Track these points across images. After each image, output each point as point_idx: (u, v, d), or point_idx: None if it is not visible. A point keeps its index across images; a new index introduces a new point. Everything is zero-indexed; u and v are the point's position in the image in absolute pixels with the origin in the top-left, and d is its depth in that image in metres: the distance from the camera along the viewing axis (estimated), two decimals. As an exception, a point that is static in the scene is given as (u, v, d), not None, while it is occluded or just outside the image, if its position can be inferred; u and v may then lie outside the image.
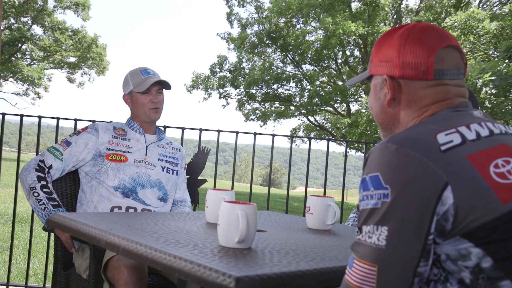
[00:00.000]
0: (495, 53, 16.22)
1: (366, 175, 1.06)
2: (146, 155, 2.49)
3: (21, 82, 28.17)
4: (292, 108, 22.42)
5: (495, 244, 0.97)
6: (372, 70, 1.27)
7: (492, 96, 11.00)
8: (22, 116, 3.59)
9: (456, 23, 16.01)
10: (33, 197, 2.26)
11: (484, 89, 10.77)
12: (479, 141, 1.06)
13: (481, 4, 18.36)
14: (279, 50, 22.86)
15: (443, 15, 18.47)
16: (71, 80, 30.35)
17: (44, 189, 2.28)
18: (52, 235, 3.04)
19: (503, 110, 10.94)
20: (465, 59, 1.21)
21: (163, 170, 2.52)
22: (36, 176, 2.30)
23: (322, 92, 20.21)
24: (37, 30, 27.85)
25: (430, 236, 0.99)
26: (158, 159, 2.53)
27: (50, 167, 2.35)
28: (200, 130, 3.68)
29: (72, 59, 29.13)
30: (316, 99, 20.28)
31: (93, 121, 3.52)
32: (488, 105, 11.50)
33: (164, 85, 2.56)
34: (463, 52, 1.22)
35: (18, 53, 27.38)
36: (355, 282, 1.01)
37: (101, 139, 2.43)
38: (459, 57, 1.20)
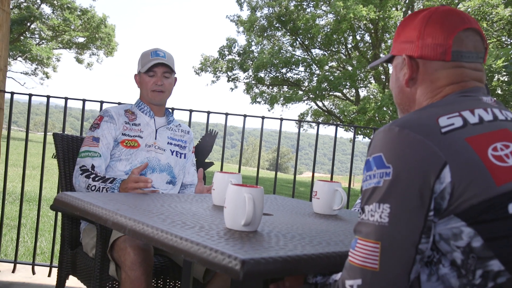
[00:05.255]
0: (508, 40, 16.02)
1: (369, 157, 1.09)
2: (155, 139, 2.49)
3: (29, 62, 28.24)
4: (300, 92, 22.34)
5: (486, 224, 1.00)
6: (394, 51, 1.30)
7: (504, 84, 10.89)
8: (30, 95, 3.60)
9: (469, 9, 15.80)
10: (95, 192, 2.22)
11: (496, 76, 10.66)
12: (481, 125, 1.08)
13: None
14: (288, 33, 22.72)
15: (456, 1, 18.23)
16: (79, 61, 30.40)
17: (97, 178, 2.24)
18: (60, 214, 3.06)
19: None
20: (486, 44, 1.23)
21: (172, 154, 2.52)
22: (84, 176, 2.26)
23: (331, 77, 20.12)
24: (46, 9, 27.94)
25: (431, 213, 1.02)
26: (168, 143, 2.53)
27: (93, 166, 2.32)
28: (208, 112, 3.67)
29: (81, 40, 29.13)
30: (325, 84, 20.20)
31: (101, 102, 3.52)
32: (500, 92, 11.39)
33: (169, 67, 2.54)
34: (484, 36, 1.23)
35: (27, 32, 27.39)
36: (358, 261, 1.03)
37: (118, 125, 2.43)
38: (479, 41, 1.21)
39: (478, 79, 1.21)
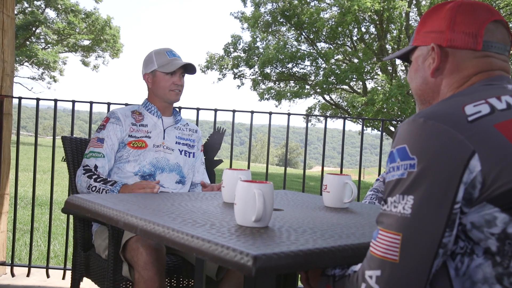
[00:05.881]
0: (514, 26, 15.86)
1: (393, 149, 1.07)
2: (164, 139, 2.49)
3: (36, 67, 28.40)
4: (307, 87, 22.27)
5: None
6: (417, 42, 1.28)
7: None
8: (38, 100, 3.61)
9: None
10: (95, 193, 2.23)
11: None
12: (509, 111, 1.07)
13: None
14: (293, 28, 22.64)
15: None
16: (85, 64, 30.52)
17: (98, 179, 2.26)
18: (71, 217, 3.07)
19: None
20: None
21: (181, 154, 2.52)
22: (86, 177, 2.29)
23: (337, 71, 20.04)
24: (50, 13, 27.96)
25: (457, 205, 0.99)
26: (176, 142, 2.53)
27: (96, 166, 2.34)
28: (215, 110, 3.67)
29: (86, 42, 29.24)
30: (332, 78, 20.12)
31: (109, 103, 3.53)
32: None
33: (189, 69, 2.55)
34: (509, 29, 1.23)
35: (32, 37, 27.54)
36: (379, 252, 1.02)
37: (124, 127, 2.43)
38: (506, 34, 1.22)
39: (505, 69, 1.21)
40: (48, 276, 3.65)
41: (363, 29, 21.47)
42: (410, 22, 20.28)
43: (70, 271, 2.56)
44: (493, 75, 1.18)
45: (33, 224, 3.70)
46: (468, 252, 1.04)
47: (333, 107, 23.38)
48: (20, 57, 26.54)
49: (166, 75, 2.48)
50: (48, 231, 3.71)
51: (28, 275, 3.66)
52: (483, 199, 0.99)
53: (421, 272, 0.99)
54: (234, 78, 23.66)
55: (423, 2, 20.38)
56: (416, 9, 20.36)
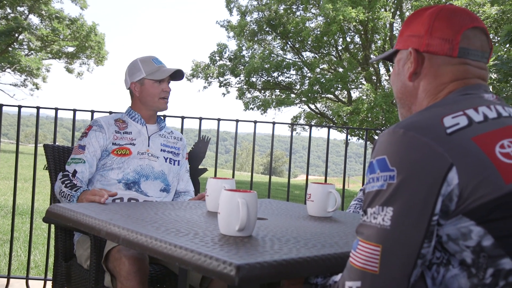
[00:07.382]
0: (496, 38, 16.13)
1: (373, 159, 1.08)
2: (148, 146, 2.48)
3: (18, 73, 28.07)
4: (292, 96, 22.36)
5: (496, 223, 0.99)
6: (399, 45, 1.29)
7: (495, 82, 10.98)
8: (20, 107, 3.57)
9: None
10: (65, 199, 2.20)
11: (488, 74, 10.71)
12: (486, 123, 1.07)
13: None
14: (279, 37, 22.76)
15: (443, 0, 18.35)
16: (69, 70, 30.27)
17: (68, 185, 2.22)
18: (53, 226, 3.03)
19: (505, 95, 10.91)
20: (491, 44, 1.24)
21: (166, 161, 2.51)
22: (60, 182, 2.27)
23: (322, 80, 20.16)
24: (34, 19, 27.59)
25: (435, 217, 1.00)
26: (161, 150, 2.52)
27: (75, 171, 2.31)
28: (200, 119, 3.66)
29: (70, 49, 29.01)
30: (317, 87, 20.24)
31: (92, 111, 3.51)
32: (491, 90, 11.45)
33: (175, 76, 2.55)
34: (489, 36, 1.24)
35: (15, 43, 27.25)
36: (358, 263, 1.02)
37: (107, 134, 2.41)
38: (485, 41, 1.22)
39: (481, 77, 1.21)
40: (28, 287, 3.59)
41: (348, 39, 21.65)
42: (394, 33, 20.51)
43: (51, 282, 2.52)
44: (470, 84, 1.18)
45: (13, 234, 3.64)
46: (444, 262, 1.05)
47: (318, 116, 23.49)
48: (2, 64, 26.22)
49: (155, 83, 2.48)
50: (29, 240, 3.66)
51: (7, 286, 3.59)
52: (459, 212, 1.00)
53: (401, 282, 1.00)
54: (220, 86, 23.66)
55: (407, 13, 20.64)
56: (400, 20, 20.61)
